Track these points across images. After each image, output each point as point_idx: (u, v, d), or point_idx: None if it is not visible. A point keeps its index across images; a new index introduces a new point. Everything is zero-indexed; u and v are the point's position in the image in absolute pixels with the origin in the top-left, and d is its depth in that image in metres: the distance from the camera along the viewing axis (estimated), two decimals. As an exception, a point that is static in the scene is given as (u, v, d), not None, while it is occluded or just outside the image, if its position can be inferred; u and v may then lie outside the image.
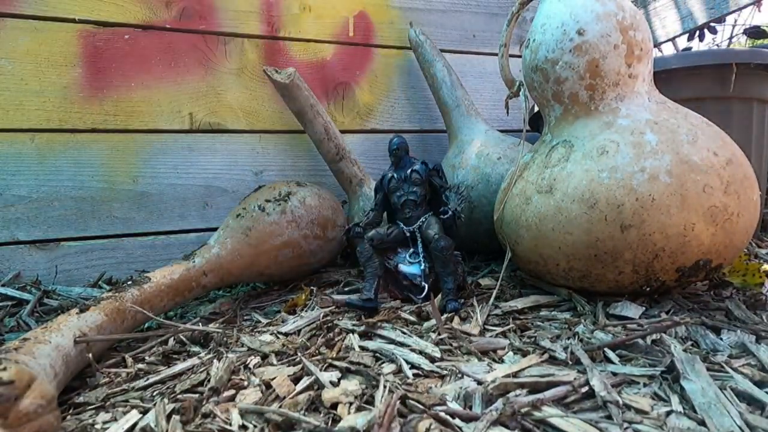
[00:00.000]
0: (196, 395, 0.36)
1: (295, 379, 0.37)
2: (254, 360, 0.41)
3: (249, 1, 0.87)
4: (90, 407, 0.37)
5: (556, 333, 0.42)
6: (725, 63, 0.68)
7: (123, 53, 0.79)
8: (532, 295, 0.54)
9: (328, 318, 0.52)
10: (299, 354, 0.42)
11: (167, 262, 0.61)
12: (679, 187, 0.43)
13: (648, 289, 0.47)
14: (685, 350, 0.37)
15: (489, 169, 0.74)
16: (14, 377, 0.30)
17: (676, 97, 0.57)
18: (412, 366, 0.38)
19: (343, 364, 0.38)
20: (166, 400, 0.35)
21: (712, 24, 1.27)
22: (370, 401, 0.33)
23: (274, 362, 0.41)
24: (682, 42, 1.52)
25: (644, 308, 0.46)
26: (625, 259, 0.45)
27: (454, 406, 0.31)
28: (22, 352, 0.35)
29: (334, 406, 0.32)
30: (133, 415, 0.34)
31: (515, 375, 0.35)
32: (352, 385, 0.34)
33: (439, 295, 0.53)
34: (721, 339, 0.40)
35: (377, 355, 0.41)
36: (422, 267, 0.55)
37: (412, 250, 0.57)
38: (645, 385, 0.33)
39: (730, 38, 1.62)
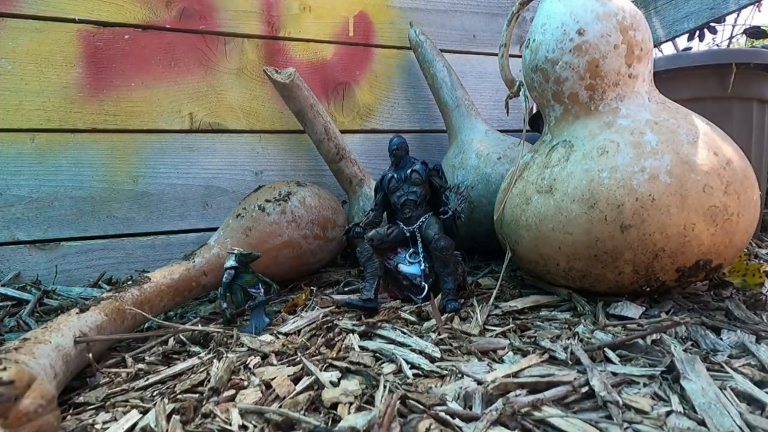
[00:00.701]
0: (196, 395, 0.36)
1: (295, 379, 0.37)
2: (254, 360, 0.41)
3: (249, 1, 0.87)
4: (90, 407, 0.37)
5: (556, 333, 0.42)
6: (725, 63, 0.68)
7: (123, 53, 0.79)
8: (532, 295, 0.54)
9: (328, 318, 0.52)
10: (299, 354, 0.42)
11: (167, 262, 0.61)
12: (679, 187, 0.43)
13: (648, 289, 0.47)
14: (685, 350, 0.37)
15: (489, 169, 0.74)
16: (14, 377, 0.30)
17: (676, 97, 0.57)
18: (412, 366, 0.38)
19: (343, 364, 0.38)
20: (166, 400, 0.35)
21: (712, 24, 1.27)
22: (370, 401, 0.33)
23: (274, 362, 0.41)
24: (682, 42, 1.52)
25: (644, 308, 0.46)
26: (625, 259, 0.45)
27: (454, 406, 0.31)
28: (22, 352, 0.35)
29: (334, 406, 0.32)
30: (133, 415, 0.34)
31: (515, 375, 0.35)
32: (352, 385, 0.34)
33: (439, 295, 0.53)
34: (721, 339, 0.40)
35: (377, 355, 0.41)
36: (422, 267, 0.55)
37: (412, 250, 0.57)
38: (645, 385, 0.33)
39: (730, 38, 1.62)
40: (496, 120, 1.05)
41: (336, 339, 0.45)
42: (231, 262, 0.54)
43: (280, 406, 0.33)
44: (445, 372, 0.36)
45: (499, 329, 0.45)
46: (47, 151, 0.75)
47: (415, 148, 0.99)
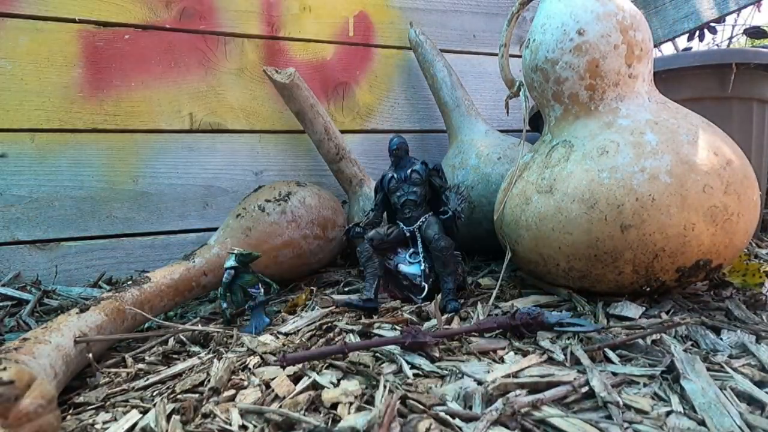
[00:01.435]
0: (196, 395, 0.36)
1: (295, 379, 0.37)
2: (254, 360, 0.41)
3: (249, 1, 0.87)
4: (90, 407, 0.37)
5: (556, 333, 0.42)
6: (725, 63, 0.68)
7: (123, 53, 0.79)
8: (532, 295, 0.54)
9: (327, 318, 0.52)
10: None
11: (167, 262, 0.61)
12: (679, 187, 0.43)
13: (648, 289, 0.47)
14: (685, 350, 0.37)
15: (489, 169, 0.74)
16: (14, 377, 0.30)
17: (676, 97, 0.57)
18: (412, 366, 0.38)
19: (343, 364, 0.38)
20: (166, 400, 0.35)
21: (712, 24, 1.27)
22: (370, 401, 0.33)
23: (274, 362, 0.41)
24: (682, 42, 1.52)
25: (644, 308, 0.46)
26: (625, 259, 0.45)
27: (454, 406, 0.31)
28: (22, 352, 0.35)
29: (334, 406, 0.32)
30: (133, 415, 0.34)
31: (515, 375, 0.35)
32: (352, 385, 0.34)
33: (439, 295, 0.53)
34: (721, 339, 0.40)
35: (377, 355, 0.41)
36: (422, 267, 0.55)
37: (412, 250, 0.57)
38: (645, 385, 0.33)
39: (730, 38, 1.62)
40: (496, 120, 1.05)
41: (336, 339, 0.45)
42: (231, 262, 0.54)
43: (280, 406, 0.33)
44: (445, 372, 0.36)
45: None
46: (47, 151, 0.75)
47: (415, 148, 0.99)
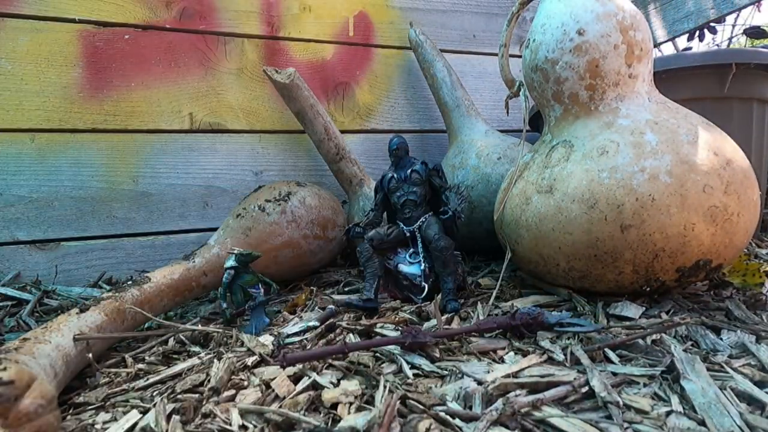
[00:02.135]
0: (196, 395, 0.36)
1: (295, 380, 0.37)
2: (254, 360, 0.41)
3: (249, 1, 0.87)
4: (90, 407, 0.37)
5: (556, 333, 0.42)
6: (725, 63, 0.68)
7: (123, 53, 0.79)
8: (531, 296, 0.54)
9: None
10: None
11: (167, 262, 0.61)
12: (679, 187, 0.43)
13: (648, 289, 0.47)
14: (685, 350, 0.37)
15: (489, 169, 0.74)
16: (14, 377, 0.30)
17: (675, 97, 0.57)
18: (413, 366, 0.38)
19: (343, 364, 0.38)
20: (166, 400, 0.35)
21: (712, 24, 1.27)
22: (370, 401, 0.33)
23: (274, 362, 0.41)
24: (682, 42, 1.52)
25: (644, 308, 0.46)
26: (625, 259, 0.45)
27: (454, 406, 0.31)
28: (22, 352, 0.35)
29: (334, 406, 0.32)
30: (133, 415, 0.34)
31: (515, 375, 0.35)
32: (352, 385, 0.34)
33: (439, 295, 0.53)
34: (721, 339, 0.40)
35: (377, 355, 0.41)
36: (422, 267, 0.55)
37: (412, 250, 0.57)
38: (645, 385, 0.33)
39: (730, 38, 1.62)
40: (496, 120, 1.05)
41: (336, 339, 0.45)
42: (231, 262, 0.54)
43: (280, 406, 0.33)
44: (445, 372, 0.36)
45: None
46: (47, 151, 0.75)
47: (415, 148, 0.99)
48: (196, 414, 0.33)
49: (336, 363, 0.38)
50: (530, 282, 0.59)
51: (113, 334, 0.46)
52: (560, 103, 0.53)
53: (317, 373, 0.37)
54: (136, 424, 0.33)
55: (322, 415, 0.32)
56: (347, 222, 0.79)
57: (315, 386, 0.36)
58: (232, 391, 0.36)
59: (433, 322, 0.47)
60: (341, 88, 0.94)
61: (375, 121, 0.97)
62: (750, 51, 0.69)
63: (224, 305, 0.54)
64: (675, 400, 0.31)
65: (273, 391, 0.35)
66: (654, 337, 0.40)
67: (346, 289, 0.67)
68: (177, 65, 0.82)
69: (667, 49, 1.61)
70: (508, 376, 0.35)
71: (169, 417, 0.33)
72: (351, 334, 0.46)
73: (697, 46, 1.46)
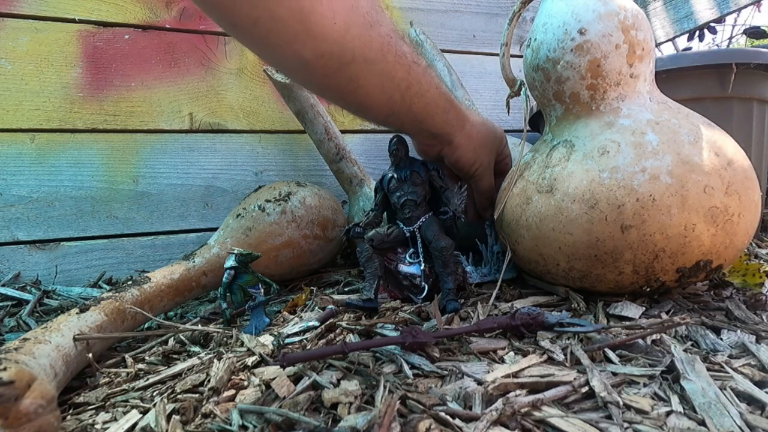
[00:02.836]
0: (196, 395, 0.36)
1: (295, 380, 0.37)
2: (254, 360, 0.41)
3: (249, 1, 0.87)
4: (90, 407, 0.37)
5: (556, 333, 0.42)
6: (725, 63, 0.68)
7: (123, 53, 0.79)
8: (531, 296, 0.54)
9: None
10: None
11: (167, 262, 0.61)
12: (680, 187, 0.43)
13: (648, 289, 0.47)
14: (685, 350, 0.37)
15: (489, 169, 0.74)
16: (14, 377, 0.30)
17: (676, 97, 0.57)
18: (413, 366, 0.38)
19: (343, 364, 0.38)
20: (166, 400, 0.35)
21: (712, 24, 1.27)
22: (370, 401, 0.33)
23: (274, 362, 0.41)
24: (682, 42, 1.52)
25: (644, 308, 0.46)
26: (626, 259, 0.45)
27: (454, 406, 0.31)
28: (22, 352, 0.35)
29: (334, 406, 0.32)
30: (133, 415, 0.34)
31: (515, 375, 0.35)
32: (352, 385, 0.34)
33: (439, 295, 0.53)
34: (721, 339, 0.40)
35: (377, 355, 0.41)
36: (422, 267, 0.55)
37: (412, 250, 0.57)
38: (645, 385, 0.33)
39: (730, 38, 1.62)
40: (497, 120, 1.05)
41: (336, 339, 0.45)
42: (231, 262, 0.54)
43: (280, 406, 0.33)
44: (445, 372, 0.36)
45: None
46: (47, 151, 0.75)
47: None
48: (196, 414, 0.33)
49: (336, 363, 0.38)
50: (531, 282, 0.59)
51: (113, 334, 0.46)
52: (561, 102, 0.53)
53: (317, 373, 0.37)
54: (136, 424, 0.33)
55: (322, 415, 0.32)
56: (347, 222, 0.79)
57: (315, 386, 0.36)
58: (232, 391, 0.36)
59: (433, 322, 0.47)
60: (341, 88, 0.94)
61: (375, 121, 0.96)
62: (750, 51, 0.69)
63: (224, 305, 0.54)
64: (675, 400, 0.31)
65: (273, 391, 0.35)
66: (654, 337, 0.40)
67: (346, 289, 0.67)
68: (177, 65, 0.82)
69: (667, 49, 1.61)
70: (508, 376, 0.35)
71: (169, 417, 0.33)
72: (351, 334, 0.46)
73: (697, 46, 1.46)
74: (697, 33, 1.37)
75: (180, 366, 0.42)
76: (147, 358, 0.46)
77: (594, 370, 0.34)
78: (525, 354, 0.39)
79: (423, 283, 0.55)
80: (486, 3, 1.07)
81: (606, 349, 0.38)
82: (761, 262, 0.58)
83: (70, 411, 0.37)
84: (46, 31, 0.75)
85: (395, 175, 0.57)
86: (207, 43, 0.84)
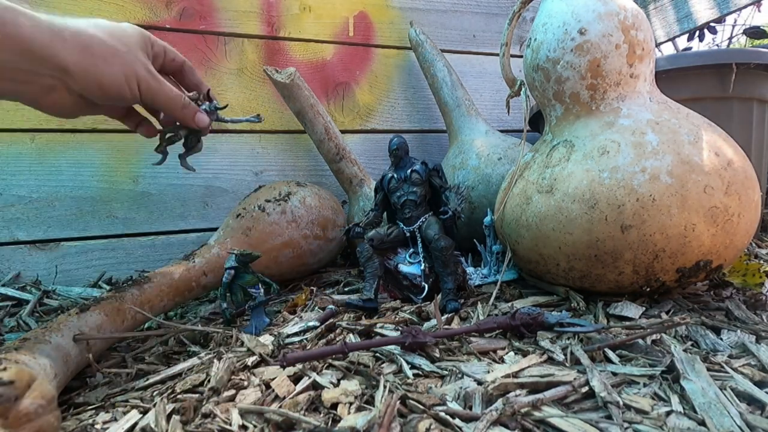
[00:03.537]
0: (196, 395, 0.36)
1: (295, 380, 0.37)
2: (254, 360, 0.41)
3: (249, 1, 0.87)
4: (90, 407, 0.37)
5: (556, 333, 0.42)
6: (725, 63, 0.68)
7: (123, 53, 0.79)
8: (531, 296, 0.54)
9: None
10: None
11: (167, 262, 0.61)
12: (680, 187, 0.43)
13: (648, 289, 0.47)
14: (685, 350, 0.37)
15: (489, 169, 0.74)
16: (14, 377, 0.30)
17: (676, 97, 0.57)
18: (413, 366, 0.38)
19: (343, 364, 0.38)
20: (166, 400, 0.35)
21: (712, 24, 1.27)
22: (370, 401, 0.33)
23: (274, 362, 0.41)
24: (682, 42, 1.52)
25: (644, 308, 0.46)
26: (626, 259, 0.45)
27: (454, 406, 0.31)
28: (22, 352, 0.35)
29: (334, 406, 0.32)
30: (133, 415, 0.34)
31: (515, 375, 0.35)
32: (352, 385, 0.34)
33: (439, 295, 0.53)
34: (721, 339, 0.40)
35: (377, 355, 0.41)
36: (422, 267, 0.55)
37: (412, 250, 0.57)
38: (645, 385, 0.33)
39: (730, 38, 1.62)
40: (497, 120, 1.05)
41: (336, 339, 0.45)
42: (231, 262, 0.54)
43: (280, 406, 0.33)
44: (445, 372, 0.36)
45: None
46: (47, 151, 0.75)
47: (415, 148, 0.99)
48: (196, 414, 0.33)
49: (336, 363, 0.38)
50: (531, 282, 0.59)
51: (113, 334, 0.46)
52: (561, 102, 0.53)
53: (317, 373, 0.37)
54: (136, 424, 0.33)
55: (322, 415, 0.32)
56: (347, 222, 0.79)
57: (315, 386, 0.36)
58: (232, 391, 0.36)
59: (433, 322, 0.47)
60: (341, 88, 0.94)
61: (375, 121, 0.97)
62: (750, 51, 0.69)
63: (224, 305, 0.54)
64: (675, 400, 0.31)
65: (273, 391, 0.35)
66: (654, 337, 0.40)
67: (346, 289, 0.67)
68: (177, 65, 0.82)
69: (667, 49, 1.61)
70: (508, 376, 0.35)
71: (169, 417, 0.33)
72: (351, 334, 0.46)
73: (697, 46, 1.46)
74: (697, 33, 1.37)
75: (180, 366, 0.42)
76: (147, 358, 0.46)
77: (594, 370, 0.34)
78: (525, 354, 0.39)
79: (423, 283, 0.55)
80: (486, 3, 1.07)
81: (606, 349, 0.38)
82: (761, 262, 0.58)
83: (70, 411, 0.37)
84: (46, 31, 0.75)
85: (395, 175, 0.57)
86: (207, 43, 0.84)
